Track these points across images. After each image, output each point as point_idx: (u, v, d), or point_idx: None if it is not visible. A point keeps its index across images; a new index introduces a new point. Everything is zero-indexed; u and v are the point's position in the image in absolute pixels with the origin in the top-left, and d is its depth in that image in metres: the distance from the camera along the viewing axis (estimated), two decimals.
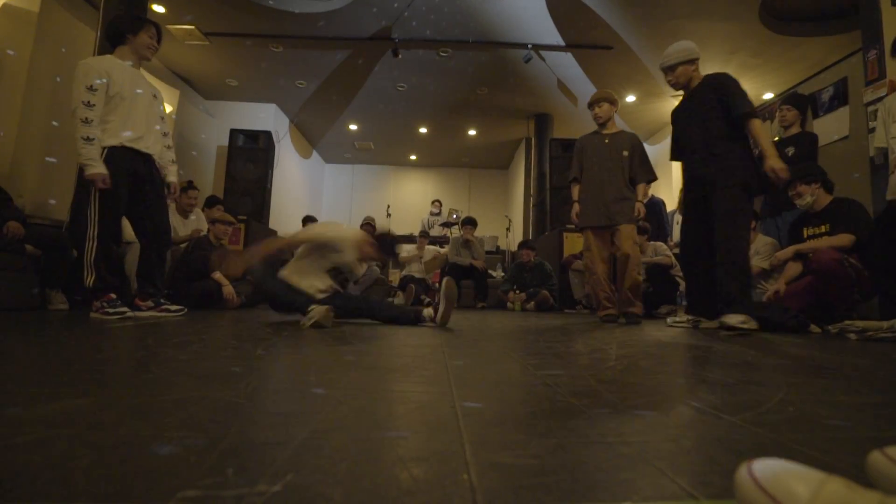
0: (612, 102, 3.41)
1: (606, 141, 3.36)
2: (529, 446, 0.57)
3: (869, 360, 1.53)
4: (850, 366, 1.41)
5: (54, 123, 3.67)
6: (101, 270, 2.46)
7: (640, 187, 3.31)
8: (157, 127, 2.72)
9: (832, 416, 0.76)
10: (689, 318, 2.78)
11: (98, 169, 2.40)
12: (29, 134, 3.80)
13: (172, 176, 2.84)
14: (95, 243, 2.45)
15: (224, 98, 7.44)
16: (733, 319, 2.34)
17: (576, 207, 3.44)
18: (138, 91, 2.61)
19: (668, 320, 2.93)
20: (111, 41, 2.64)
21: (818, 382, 1.09)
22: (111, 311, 2.43)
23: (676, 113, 2.95)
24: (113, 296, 2.48)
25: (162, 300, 2.73)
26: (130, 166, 2.55)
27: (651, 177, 3.33)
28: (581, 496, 0.44)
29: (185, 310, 2.83)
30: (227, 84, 6.95)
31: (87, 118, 2.38)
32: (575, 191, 3.50)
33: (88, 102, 2.39)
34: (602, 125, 3.41)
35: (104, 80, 2.44)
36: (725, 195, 2.55)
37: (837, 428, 0.70)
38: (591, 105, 3.46)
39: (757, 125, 2.58)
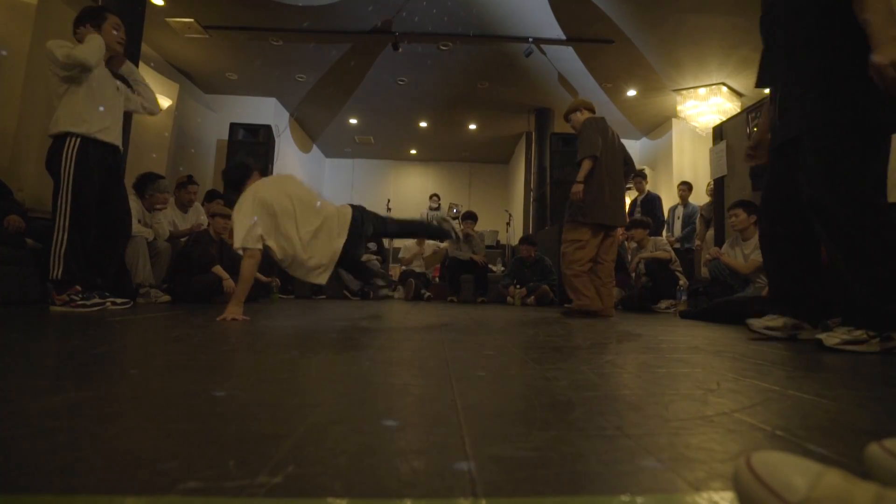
0: (575, 110, 3.41)
1: None
2: (529, 439, 0.57)
3: (868, 355, 1.53)
4: (849, 360, 1.41)
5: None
6: (69, 263, 2.40)
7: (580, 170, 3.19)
8: (121, 120, 2.70)
9: (831, 410, 0.76)
10: (786, 321, 1.88)
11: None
12: (29, 128, 3.79)
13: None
14: (66, 235, 2.39)
15: (224, 92, 7.41)
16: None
17: None
18: (107, 83, 2.58)
19: (755, 324, 1.96)
20: (78, 38, 2.56)
21: (817, 376, 1.09)
22: (88, 303, 2.40)
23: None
24: (78, 288, 2.42)
25: (107, 293, 2.62)
26: (102, 159, 2.54)
27: (581, 155, 3.18)
28: (580, 488, 0.44)
29: (130, 303, 2.78)
30: (226, 78, 6.93)
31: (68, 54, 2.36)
32: None
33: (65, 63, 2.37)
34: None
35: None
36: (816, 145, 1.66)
37: (835, 421, 0.70)
38: (565, 119, 3.49)
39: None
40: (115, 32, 2.60)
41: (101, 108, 2.51)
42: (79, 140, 2.43)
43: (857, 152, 1.60)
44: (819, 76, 1.66)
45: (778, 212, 1.88)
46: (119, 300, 2.66)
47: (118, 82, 2.69)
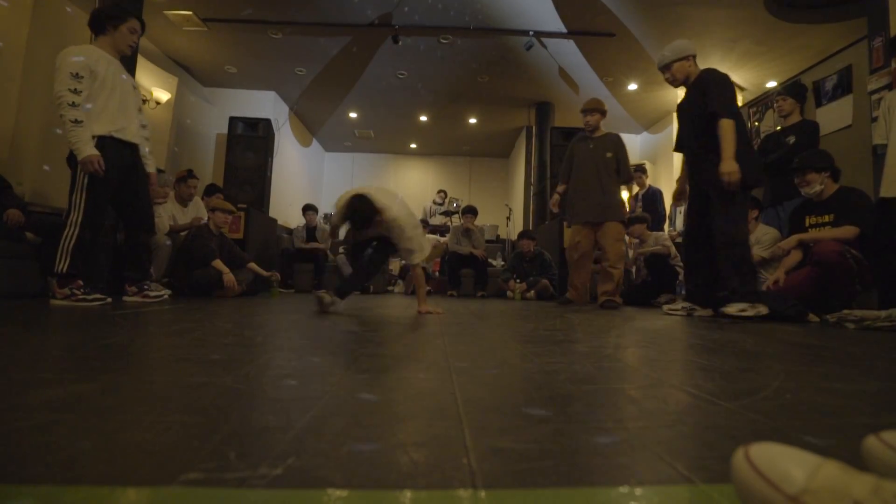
0: (603, 114, 3.83)
1: (591, 146, 3.77)
2: (528, 431, 0.57)
3: (866, 349, 1.54)
4: (847, 354, 1.41)
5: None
6: (76, 258, 2.44)
7: (628, 187, 3.86)
8: (137, 118, 2.72)
9: (829, 403, 0.76)
10: (685, 305, 2.88)
11: (91, 151, 2.40)
12: (27, 122, 3.78)
13: (150, 167, 2.86)
14: (77, 230, 2.43)
15: (223, 85, 7.36)
16: (733, 308, 2.49)
17: (554, 198, 3.98)
18: (120, 81, 2.59)
19: (665, 308, 3.05)
20: (93, 29, 2.61)
21: (815, 370, 1.09)
22: (90, 297, 2.42)
23: (679, 107, 3.04)
24: (80, 283, 2.46)
25: (145, 285, 2.75)
26: (119, 156, 2.56)
27: (626, 178, 3.75)
28: (579, 480, 0.44)
29: (165, 296, 2.89)
30: (225, 71, 6.88)
31: (73, 102, 2.36)
32: (560, 188, 4.01)
33: (75, 90, 2.37)
34: (591, 131, 3.81)
35: (89, 68, 2.43)
36: (720, 192, 2.63)
37: (834, 414, 0.70)
38: (583, 112, 3.81)
39: (724, 126, 2.60)
40: (130, 35, 2.64)
41: (114, 104, 2.54)
42: (96, 139, 2.46)
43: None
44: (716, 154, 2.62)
45: (699, 238, 2.81)
46: (152, 293, 2.75)
47: (134, 81, 2.73)
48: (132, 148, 2.67)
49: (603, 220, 3.63)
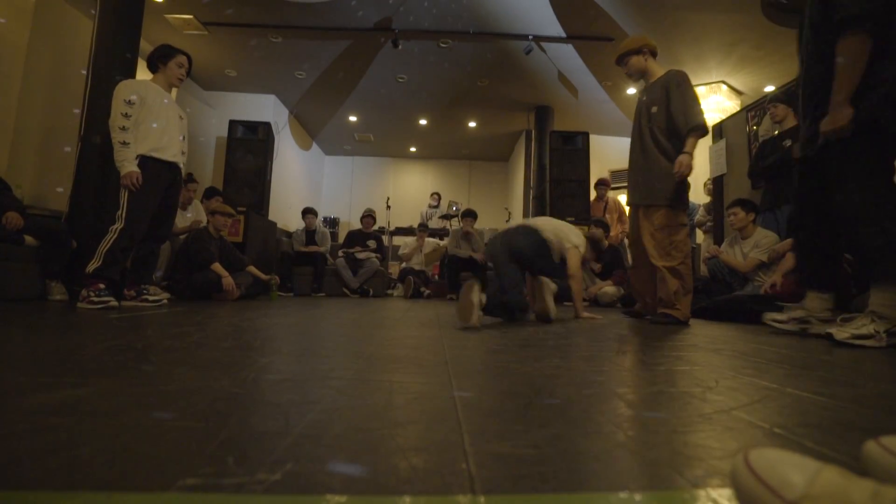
0: (638, 52, 2.72)
1: (644, 98, 2.72)
2: (527, 436, 0.57)
3: (866, 353, 1.54)
4: (847, 358, 1.41)
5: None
6: (106, 260, 2.60)
7: (689, 141, 2.48)
8: (179, 143, 2.98)
9: (828, 407, 0.76)
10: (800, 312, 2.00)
11: (132, 168, 2.66)
12: (27, 125, 3.79)
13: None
14: (115, 237, 2.64)
15: (223, 89, 7.38)
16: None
17: None
18: (166, 110, 2.87)
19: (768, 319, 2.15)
20: (149, 68, 2.97)
21: (815, 374, 1.09)
22: (96, 299, 2.51)
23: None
24: (101, 285, 2.56)
25: (143, 289, 2.90)
26: (158, 175, 2.79)
27: (692, 123, 2.46)
28: (579, 485, 0.44)
29: (164, 300, 3.00)
30: (225, 75, 6.90)
31: (124, 126, 2.67)
32: None
33: (126, 114, 2.67)
34: (642, 78, 2.78)
35: (139, 95, 2.73)
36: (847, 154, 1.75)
37: (833, 418, 0.70)
38: (617, 62, 2.84)
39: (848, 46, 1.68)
40: (178, 69, 2.93)
41: (157, 128, 2.78)
42: (139, 158, 2.71)
43: None
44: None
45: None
46: (151, 297, 2.87)
47: (182, 113, 3.00)
48: (171, 167, 2.88)
49: (637, 202, 2.68)
